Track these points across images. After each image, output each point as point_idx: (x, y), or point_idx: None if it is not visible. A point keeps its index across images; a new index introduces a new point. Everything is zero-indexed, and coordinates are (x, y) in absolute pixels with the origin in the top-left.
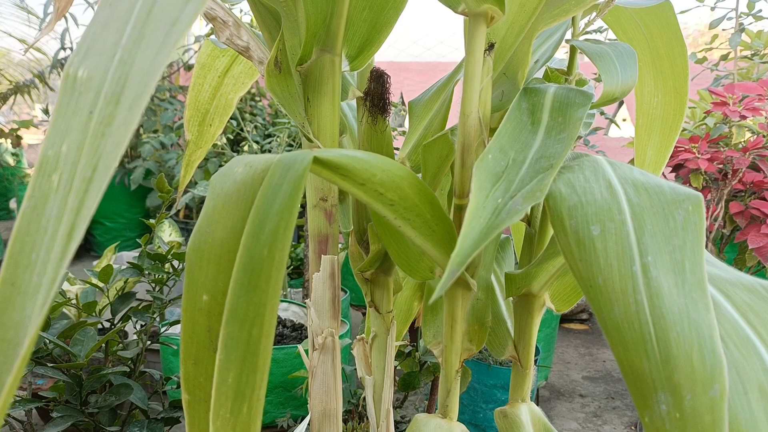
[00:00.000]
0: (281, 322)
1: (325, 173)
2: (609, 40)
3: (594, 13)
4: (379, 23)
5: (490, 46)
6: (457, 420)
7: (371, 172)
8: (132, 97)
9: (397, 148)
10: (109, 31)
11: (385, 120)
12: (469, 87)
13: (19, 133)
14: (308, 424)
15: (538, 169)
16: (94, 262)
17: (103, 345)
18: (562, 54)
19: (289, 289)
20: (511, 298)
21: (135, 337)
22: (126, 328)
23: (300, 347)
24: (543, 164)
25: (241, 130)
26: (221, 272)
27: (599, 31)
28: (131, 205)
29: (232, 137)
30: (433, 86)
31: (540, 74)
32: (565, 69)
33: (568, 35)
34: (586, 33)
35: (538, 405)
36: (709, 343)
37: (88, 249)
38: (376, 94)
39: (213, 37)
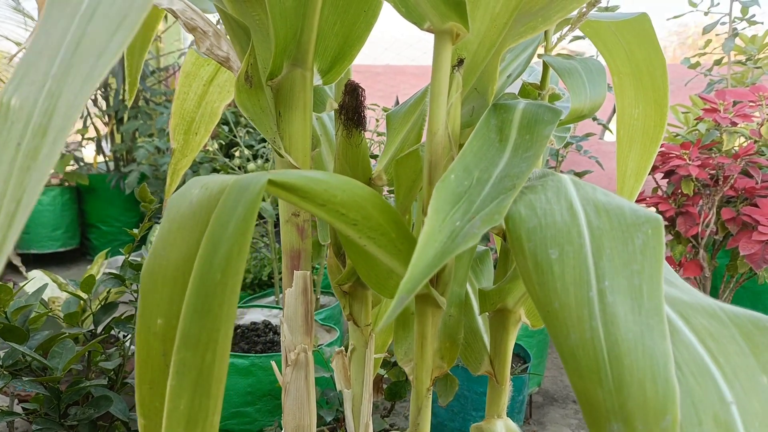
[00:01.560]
0: (272, 330)
1: (284, 194)
2: None
3: (566, 28)
4: (351, 38)
5: (460, 62)
6: (449, 427)
7: (331, 193)
8: (56, 130)
9: (375, 156)
10: (41, 60)
11: (360, 133)
12: (435, 104)
13: None
14: None
15: (501, 189)
16: (89, 266)
17: (86, 356)
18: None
19: (281, 296)
20: (487, 313)
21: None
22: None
23: (273, 363)
24: (506, 184)
25: (234, 136)
26: (176, 296)
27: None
28: (126, 209)
29: (224, 143)
30: (411, 98)
31: (516, 88)
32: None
33: (542, 50)
34: (578, 39)
35: (531, 411)
36: (662, 372)
37: (84, 253)
38: (351, 108)
39: None
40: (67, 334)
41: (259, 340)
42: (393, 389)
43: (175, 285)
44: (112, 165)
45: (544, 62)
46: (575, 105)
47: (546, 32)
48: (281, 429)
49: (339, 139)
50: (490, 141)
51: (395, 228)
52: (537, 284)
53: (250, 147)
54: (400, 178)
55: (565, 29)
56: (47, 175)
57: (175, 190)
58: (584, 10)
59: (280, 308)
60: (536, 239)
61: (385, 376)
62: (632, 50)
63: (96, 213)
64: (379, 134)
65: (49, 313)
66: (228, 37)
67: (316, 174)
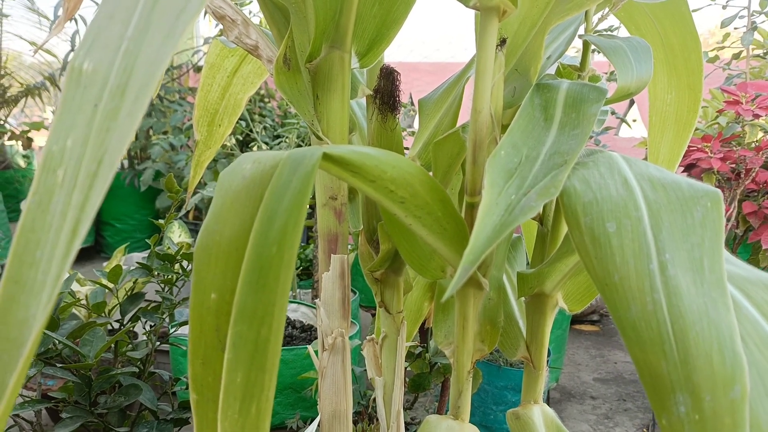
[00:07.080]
0: (290, 323)
1: (335, 170)
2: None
3: (607, 8)
4: (389, 19)
5: (502, 42)
6: (468, 422)
7: (381, 169)
8: (138, 87)
9: (407, 148)
10: (114, 23)
11: (395, 118)
12: (480, 83)
13: (30, 135)
14: (318, 426)
15: (551, 165)
16: (104, 264)
17: (113, 345)
18: (573, 51)
19: (298, 290)
20: (523, 298)
21: (144, 337)
22: (136, 329)
23: (310, 348)
24: (557, 160)
25: (251, 131)
26: (230, 270)
27: (611, 29)
28: (141, 207)
29: (241, 138)
30: (444, 84)
31: (552, 70)
32: (578, 65)
33: (582, 31)
34: (599, 33)
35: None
36: (729, 343)
37: (99, 251)
38: (386, 92)
39: (222, 37)
40: (96, 323)
41: None
42: (416, 381)
43: (229, 259)
44: (126, 163)
45: (584, 43)
46: (622, 83)
47: (586, 13)
48: (303, 422)
49: (373, 123)
50: (535, 120)
51: (441, 207)
52: (594, 258)
53: (265, 144)
54: (438, 161)
55: (606, 10)
56: (130, 134)
57: (183, 190)
58: None
59: (298, 302)
60: (593, 213)
61: (408, 368)
62: (666, 33)
63: (110, 210)
64: None
65: (76, 303)
66: (256, 24)
67: (367, 149)
